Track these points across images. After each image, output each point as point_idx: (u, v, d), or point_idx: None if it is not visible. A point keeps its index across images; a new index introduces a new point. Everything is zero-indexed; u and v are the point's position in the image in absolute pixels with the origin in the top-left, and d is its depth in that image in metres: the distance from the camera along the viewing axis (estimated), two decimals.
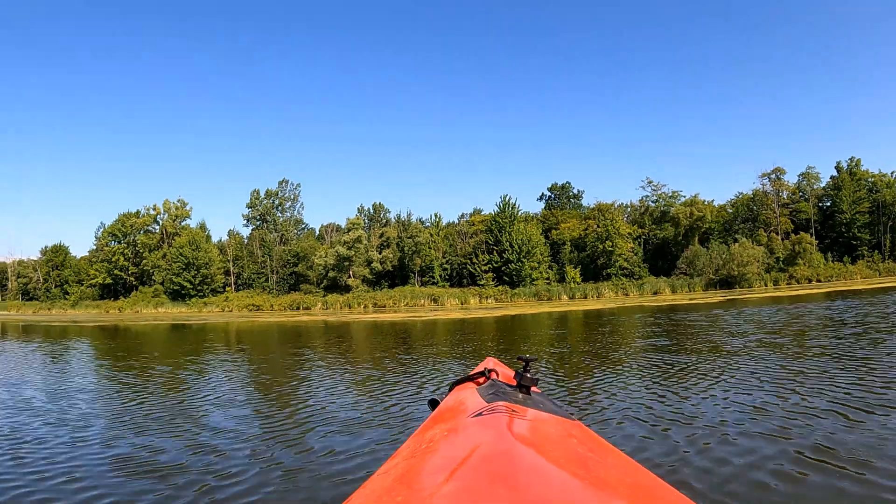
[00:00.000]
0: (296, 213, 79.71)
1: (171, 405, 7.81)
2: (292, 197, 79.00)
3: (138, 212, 78.12)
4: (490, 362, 2.68)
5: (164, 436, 6.17)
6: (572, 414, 2.02)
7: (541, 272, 61.54)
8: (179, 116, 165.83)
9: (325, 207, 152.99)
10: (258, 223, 77.74)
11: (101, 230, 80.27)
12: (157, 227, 77.83)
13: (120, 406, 8.05)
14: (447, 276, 65.70)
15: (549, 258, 63.64)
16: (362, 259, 65.62)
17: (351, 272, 65.41)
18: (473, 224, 70.33)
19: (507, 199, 64.98)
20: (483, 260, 62.70)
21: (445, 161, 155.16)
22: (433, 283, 63.94)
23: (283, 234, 75.58)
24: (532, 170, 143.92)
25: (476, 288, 60.97)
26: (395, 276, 66.50)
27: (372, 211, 75.37)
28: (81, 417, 7.28)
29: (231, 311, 62.20)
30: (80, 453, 5.49)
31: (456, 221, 75.14)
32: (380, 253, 66.46)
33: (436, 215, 71.73)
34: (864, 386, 7.40)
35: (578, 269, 61.03)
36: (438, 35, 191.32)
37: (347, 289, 64.70)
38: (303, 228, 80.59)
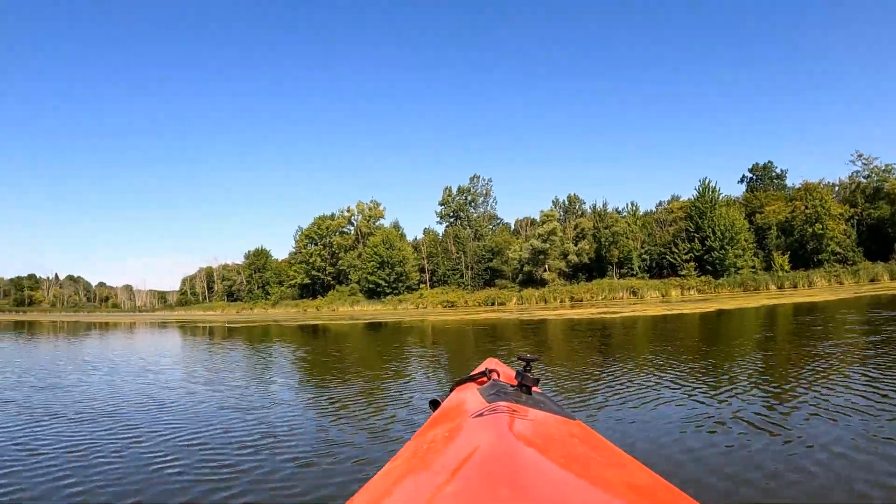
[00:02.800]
0: (489, 208, 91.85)
1: (369, 408, 8.08)
2: (484, 192, 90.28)
3: (333, 214, 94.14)
4: (491, 362, 2.99)
5: (362, 435, 6.50)
6: (574, 414, 2.26)
7: (745, 260, 65.18)
8: (369, 120, 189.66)
9: (519, 201, 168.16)
10: (451, 220, 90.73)
11: (299, 233, 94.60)
12: (352, 228, 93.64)
13: (320, 409, 8.33)
14: (646, 267, 71.73)
15: (754, 244, 67.42)
16: (558, 252, 73.76)
17: (546, 266, 74.02)
18: (672, 211, 76.07)
19: (707, 182, 69.23)
20: (684, 248, 67.74)
21: (639, 147, 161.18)
22: (632, 275, 70.26)
23: (476, 230, 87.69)
24: (730, 151, 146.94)
25: (677, 279, 66.00)
26: (593, 269, 73.60)
27: (567, 202, 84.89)
28: (281, 416, 7.76)
29: (426, 307, 70.86)
30: (272, 450, 5.90)
31: (653, 209, 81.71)
32: (575, 245, 74.27)
33: (632, 203, 78.04)
34: None
35: (786, 256, 63.86)
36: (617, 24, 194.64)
37: (543, 283, 72.98)
38: (497, 223, 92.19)
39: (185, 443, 6.04)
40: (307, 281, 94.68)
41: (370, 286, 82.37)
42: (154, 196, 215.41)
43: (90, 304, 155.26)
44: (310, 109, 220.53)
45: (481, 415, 1.81)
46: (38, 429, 7.12)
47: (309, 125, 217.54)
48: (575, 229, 76.17)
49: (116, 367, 14.22)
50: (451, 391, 2.70)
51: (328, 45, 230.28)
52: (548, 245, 72.49)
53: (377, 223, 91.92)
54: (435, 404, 2.66)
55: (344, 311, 74.65)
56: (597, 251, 72.34)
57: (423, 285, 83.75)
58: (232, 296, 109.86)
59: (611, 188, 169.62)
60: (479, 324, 27.94)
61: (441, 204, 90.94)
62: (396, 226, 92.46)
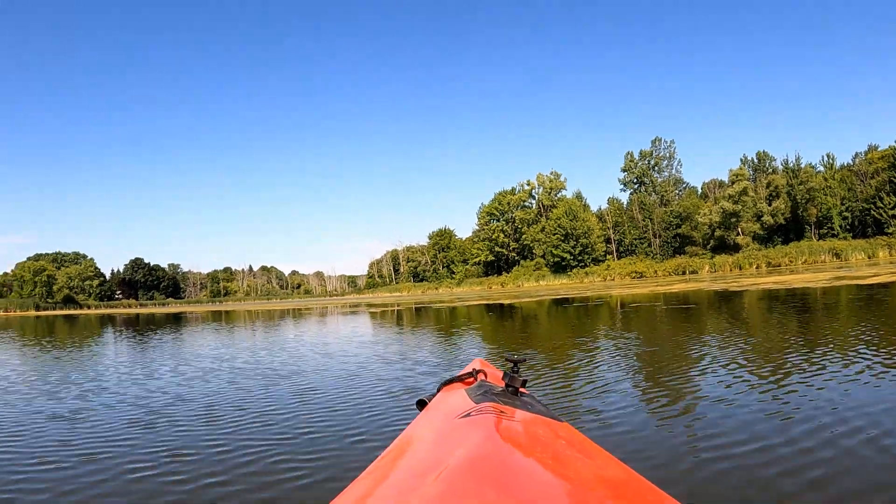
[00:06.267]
0: (673, 171, 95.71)
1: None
2: (668, 155, 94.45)
3: (513, 189, 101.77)
4: (477, 363, 3.08)
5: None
6: (560, 415, 2.33)
7: None
8: (544, 89, 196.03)
9: (705, 162, 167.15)
10: (636, 186, 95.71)
11: (481, 210, 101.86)
12: (533, 201, 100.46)
13: None
14: (848, 226, 72.42)
15: None
16: (751, 213, 76.36)
17: (739, 229, 77.18)
18: (872, 162, 75.20)
19: None
20: (889, 203, 67.66)
21: (830, 93, 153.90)
22: (832, 235, 71.56)
23: (662, 196, 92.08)
24: None
25: (884, 238, 65.86)
26: (789, 230, 75.51)
27: (755, 160, 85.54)
28: None
29: (613, 279, 74.52)
30: None
31: (850, 162, 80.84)
32: (769, 205, 76.05)
33: (827, 156, 78.99)
34: None
35: None
36: None
37: (737, 248, 76.18)
38: (683, 187, 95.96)
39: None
40: (491, 258, 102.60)
41: (555, 260, 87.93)
42: (342, 184, 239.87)
43: (283, 292, 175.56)
44: (484, 85, 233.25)
45: (468, 415, 1.89)
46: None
47: (484, 101, 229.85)
48: (767, 188, 77.45)
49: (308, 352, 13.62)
50: (437, 391, 2.80)
51: (501, 23, 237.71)
52: (739, 207, 74.63)
53: (559, 195, 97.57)
54: (422, 404, 2.73)
55: (529, 286, 78.34)
56: (792, 210, 73.88)
57: (610, 256, 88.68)
58: (417, 276, 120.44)
59: (801, 141, 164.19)
60: (672, 297, 26.19)
61: (623, 170, 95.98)
62: (579, 196, 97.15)
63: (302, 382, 8.73)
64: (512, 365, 2.52)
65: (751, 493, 3.52)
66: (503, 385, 2.45)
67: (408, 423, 2.42)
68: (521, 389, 2.45)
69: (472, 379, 2.80)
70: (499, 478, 1.21)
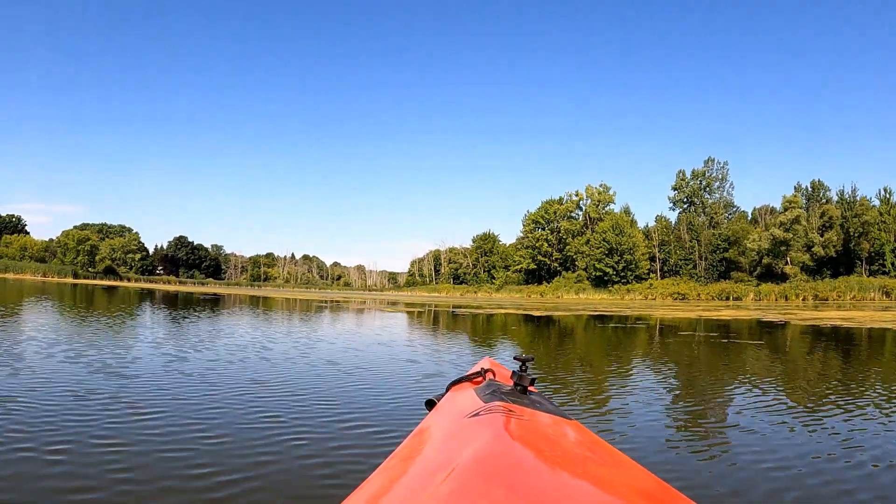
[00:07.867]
0: (725, 193, 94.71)
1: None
2: (720, 176, 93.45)
3: (561, 198, 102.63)
4: (486, 362, 3.05)
5: None
6: (570, 413, 2.31)
7: None
8: (599, 100, 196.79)
9: (758, 188, 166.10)
10: (685, 206, 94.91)
11: (526, 217, 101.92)
12: (580, 212, 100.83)
13: None
14: None
15: None
16: (801, 243, 75.09)
17: (788, 258, 75.87)
18: None
19: None
20: None
21: (890, 125, 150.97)
22: (883, 273, 70.45)
23: (712, 217, 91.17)
24: None
25: None
26: (839, 264, 74.43)
27: (809, 189, 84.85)
28: None
29: (654, 299, 73.80)
30: None
31: None
32: (821, 235, 74.95)
33: (885, 189, 77.44)
34: None
35: None
36: None
37: (784, 277, 75.13)
38: (734, 211, 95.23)
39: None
40: (533, 266, 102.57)
41: (597, 274, 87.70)
42: (390, 181, 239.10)
43: (322, 282, 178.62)
44: (538, 92, 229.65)
45: (477, 414, 1.91)
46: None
47: (538, 106, 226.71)
48: (821, 218, 76.36)
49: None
50: (446, 391, 2.80)
51: (552, 28, 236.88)
52: (790, 235, 73.73)
53: (606, 208, 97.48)
54: (431, 404, 2.73)
55: (569, 298, 77.93)
56: (844, 243, 73.00)
57: (653, 275, 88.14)
58: (458, 278, 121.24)
59: (858, 172, 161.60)
60: (712, 323, 24.95)
61: (674, 188, 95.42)
62: (627, 211, 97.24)
63: (313, 380, 8.60)
64: (520, 364, 2.52)
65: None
66: (512, 384, 2.47)
67: (417, 423, 2.41)
68: (530, 388, 2.48)
69: (480, 378, 2.78)
70: (508, 476, 1.22)
